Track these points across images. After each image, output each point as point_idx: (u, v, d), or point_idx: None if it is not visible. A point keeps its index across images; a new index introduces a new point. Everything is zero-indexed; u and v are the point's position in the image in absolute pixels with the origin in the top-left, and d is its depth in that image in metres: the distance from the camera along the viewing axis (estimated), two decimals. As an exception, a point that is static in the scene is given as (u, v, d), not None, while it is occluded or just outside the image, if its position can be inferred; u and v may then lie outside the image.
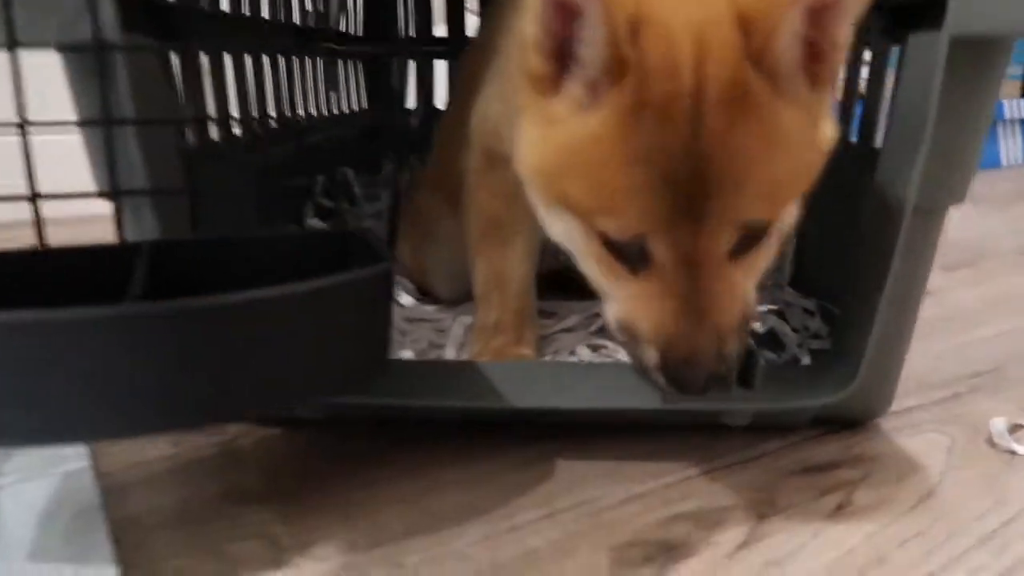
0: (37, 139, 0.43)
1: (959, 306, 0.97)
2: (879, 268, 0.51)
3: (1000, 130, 2.25)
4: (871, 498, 0.53)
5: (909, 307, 0.56)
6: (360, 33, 1.35)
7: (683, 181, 0.41)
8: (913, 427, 0.63)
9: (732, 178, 0.41)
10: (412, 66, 1.41)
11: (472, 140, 0.64)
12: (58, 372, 0.34)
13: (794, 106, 0.42)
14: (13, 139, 0.41)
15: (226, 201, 0.57)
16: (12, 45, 0.42)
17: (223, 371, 0.36)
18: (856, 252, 0.56)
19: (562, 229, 0.48)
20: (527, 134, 0.48)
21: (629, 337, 0.47)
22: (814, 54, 0.42)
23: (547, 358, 0.68)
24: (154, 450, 0.58)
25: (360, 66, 1.37)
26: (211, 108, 0.72)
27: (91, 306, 0.33)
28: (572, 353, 0.70)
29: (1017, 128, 2.27)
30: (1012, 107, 2.22)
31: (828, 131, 0.45)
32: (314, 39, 1.09)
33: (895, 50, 0.57)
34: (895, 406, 0.63)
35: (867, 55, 0.72)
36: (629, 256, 0.45)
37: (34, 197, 0.43)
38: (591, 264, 0.48)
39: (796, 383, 0.55)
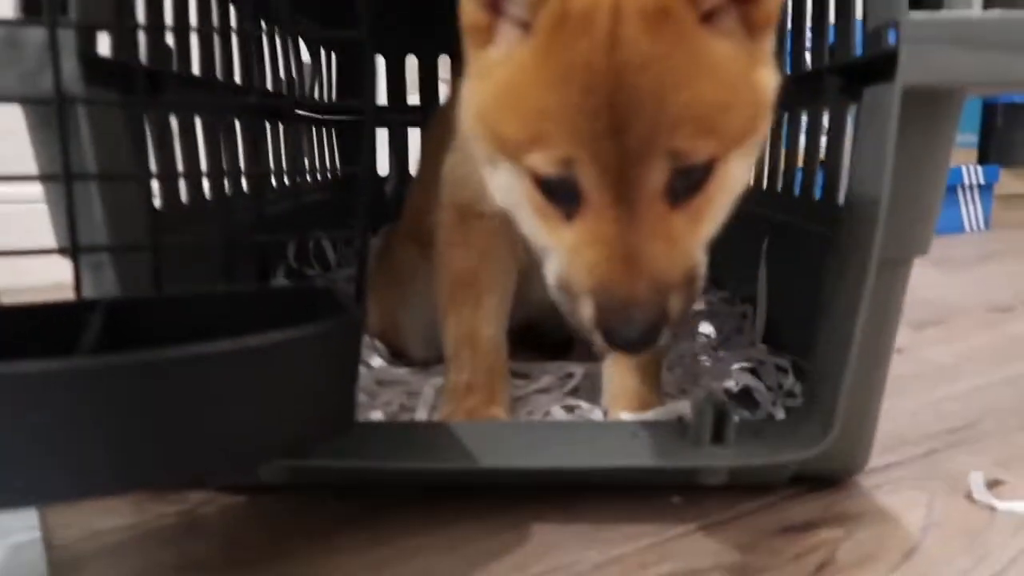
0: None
1: (931, 363, 0.98)
2: (847, 322, 0.51)
3: (960, 195, 2.32)
4: (853, 557, 0.52)
5: (880, 360, 0.56)
6: (334, 99, 1.37)
7: (605, 99, 0.40)
8: (893, 484, 0.62)
9: (653, 95, 0.40)
10: (386, 134, 1.43)
11: (443, 195, 0.64)
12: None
13: (726, 41, 0.42)
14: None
15: (192, 262, 0.56)
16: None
17: (175, 428, 0.35)
18: (824, 306, 0.56)
19: (503, 183, 0.47)
20: (470, 89, 0.48)
21: (568, 294, 0.45)
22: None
23: (521, 419, 0.67)
24: (112, 520, 0.55)
25: (333, 131, 1.38)
26: (179, 166, 0.72)
27: (32, 359, 0.31)
28: (547, 414, 0.68)
29: (976, 193, 2.34)
30: (969, 173, 2.29)
31: (769, 78, 0.45)
32: (288, 105, 1.10)
33: (853, 108, 0.59)
34: (873, 463, 0.62)
35: (826, 116, 0.74)
36: (562, 196, 0.44)
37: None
38: (528, 215, 0.47)
39: (770, 439, 0.54)
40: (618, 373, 0.65)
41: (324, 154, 1.33)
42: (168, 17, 0.70)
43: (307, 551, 0.52)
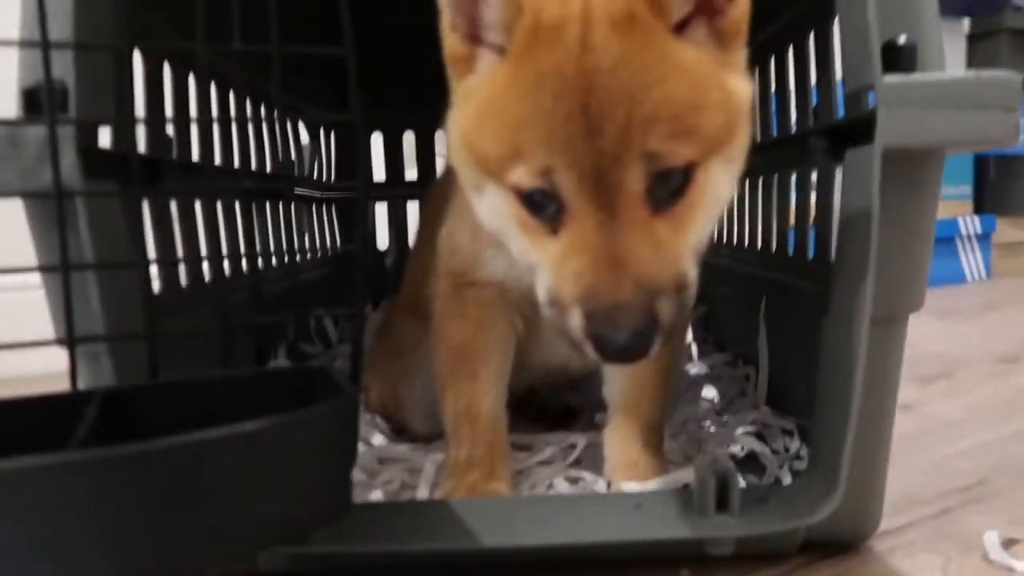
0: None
1: (939, 419, 0.96)
2: (845, 381, 0.51)
3: (959, 246, 2.33)
4: (870, 626, 0.50)
5: (883, 419, 0.56)
6: (334, 177, 1.40)
7: (577, 103, 0.41)
8: (906, 547, 0.61)
9: (625, 96, 0.41)
10: (385, 208, 1.45)
11: (438, 265, 0.64)
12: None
13: (695, 48, 0.44)
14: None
15: (192, 342, 0.56)
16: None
17: (170, 520, 0.34)
18: (821, 367, 0.56)
19: (489, 206, 0.48)
20: (453, 117, 0.50)
21: (557, 308, 0.45)
22: (713, 10, 0.45)
23: (523, 493, 0.66)
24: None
25: (333, 208, 1.40)
26: (179, 251, 0.73)
27: (23, 455, 0.31)
28: (549, 487, 0.67)
29: (975, 243, 2.35)
30: (966, 223, 2.30)
31: (742, 86, 0.47)
32: (287, 185, 1.13)
33: (839, 169, 0.60)
34: (885, 525, 0.61)
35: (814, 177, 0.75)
36: (545, 209, 0.45)
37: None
38: (516, 234, 0.47)
39: (776, 505, 0.53)
40: (619, 442, 0.64)
41: (324, 231, 1.35)
42: (168, 104, 0.72)
43: (307, 640, 0.50)
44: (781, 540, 0.57)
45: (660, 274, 0.43)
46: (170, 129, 0.72)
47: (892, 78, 0.46)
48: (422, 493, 0.67)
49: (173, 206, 0.72)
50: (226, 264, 0.83)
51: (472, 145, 0.47)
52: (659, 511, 0.53)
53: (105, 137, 0.53)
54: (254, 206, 0.95)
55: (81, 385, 0.49)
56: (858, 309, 0.49)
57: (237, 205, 0.86)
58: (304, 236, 1.20)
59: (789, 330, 0.79)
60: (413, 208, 1.42)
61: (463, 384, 0.63)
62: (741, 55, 0.48)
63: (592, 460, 0.71)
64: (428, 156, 1.41)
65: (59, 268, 0.45)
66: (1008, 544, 0.60)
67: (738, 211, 1.04)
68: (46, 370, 0.47)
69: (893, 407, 0.57)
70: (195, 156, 0.77)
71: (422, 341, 0.74)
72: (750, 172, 0.95)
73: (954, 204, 2.34)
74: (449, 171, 0.72)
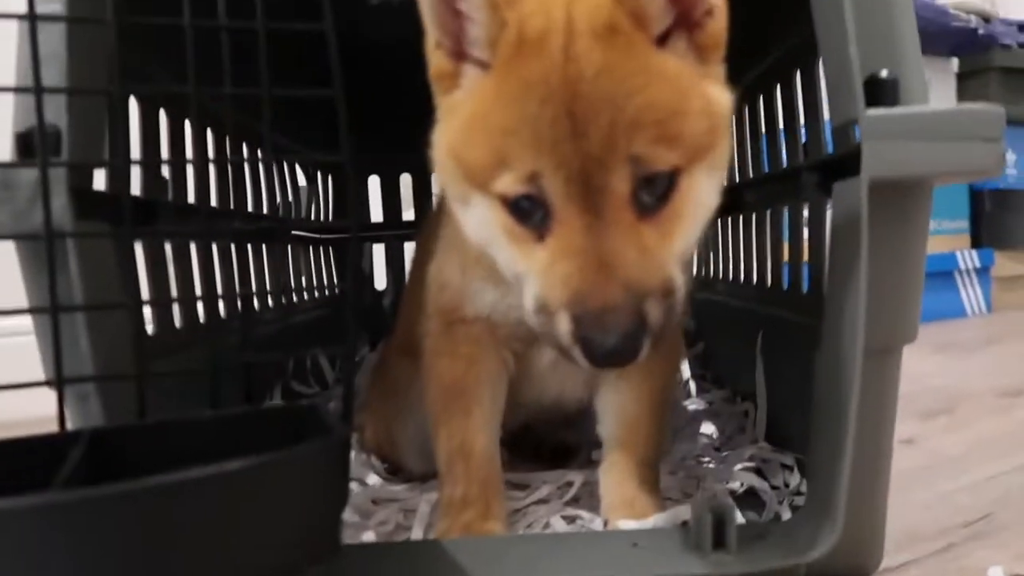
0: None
1: (941, 453, 0.95)
2: (840, 415, 0.50)
3: (958, 280, 2.33)
4: (873, 667, 0.49)
5: (880, 452, 0.55)
6: (331, 218, 1.40)
7: (562, 108, 0.42)
8: (910, 584, 0.60)
9: (609, 101, 0.42)
10: (382, 248, 1.46)
11: (429, 303, 0.64)
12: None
13: (677, 59, 0.46)
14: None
15: (183, 385, 0.56)
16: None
17: (151, 560, 0.34)
18: (816, 400, 0.56)
19: (476, 218, 0.48)
20: (439, 132, 0.50)
21: (545, 315, 0.45)
22: (692, 24, 0.47)
23: (520, 532, 0.65)
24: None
25: (331, 249, 1.40)
26: (172, 291, 0.73)
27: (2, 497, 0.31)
28: (546, 526, 0.66)
29: (974, 277, 2.35)
30: (964, 257, 2.31)
31: (722, 95, 0.48)
32: (281, 226, 1.13)
33: (830, 203, 0.60)
34: (889, 562, 0.60)
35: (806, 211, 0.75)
36: (532, 216, 0.45)
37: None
38: (503, 244, 0.47)
39: (774, 542, 0.52)
40: (615, 480, 0.64)
41: (322, 271, 1.35)
42: (163, 144, 0.73)
43: None
44: (781, 578, 0.56)
45: (647, 277, 0.44)
46: (165, 170, 0.73)
47: (875, 111, 0.46)
48: (416, 533, 0.66)
49: (168, 247, 0.73)
50: (221, 305, 0.83)
51: (458, 157, 0.48)
52: (656, 549, 0.52)
53: (101, 178, 0.54)
54: (249, 247, 0.95)
55: (70, 426, 0.49)
56: (850, 341, 0.49)
57: (232, 246, 0.87)
58: (301, 276, 1.21)
59: (786, 364, 0.79)
60: (410, 248, 1.43)
61: (456, 422, 0.62)
62: (720, 68, 0.50)
63: (589, 498, 0.70)
64: (425, 197, 1.43)
65: (48, 310, 0.45)
66: (1013, 580, 0.58)
67: (733, 246, 1.04)
68: (43, 414, 0.47)
69: (891, 440, 0.56)
70: (191, 196, 0.78)
71: (416, 380, 0.73)
72: (744, 207, 0.97)
73: (951, 238, 2.35)
74: (438, 208, 0.73)
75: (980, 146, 0.47)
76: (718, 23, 0.48)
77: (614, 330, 0.42)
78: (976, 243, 2.42)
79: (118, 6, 0.45)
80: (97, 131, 0.51)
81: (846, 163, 0.51)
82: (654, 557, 0.52)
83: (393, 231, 1.44)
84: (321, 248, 1.36)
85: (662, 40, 0.47)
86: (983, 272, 2.37)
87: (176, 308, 0.74)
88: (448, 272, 0.62)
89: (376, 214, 1.45)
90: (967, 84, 2.35)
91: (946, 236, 2.34)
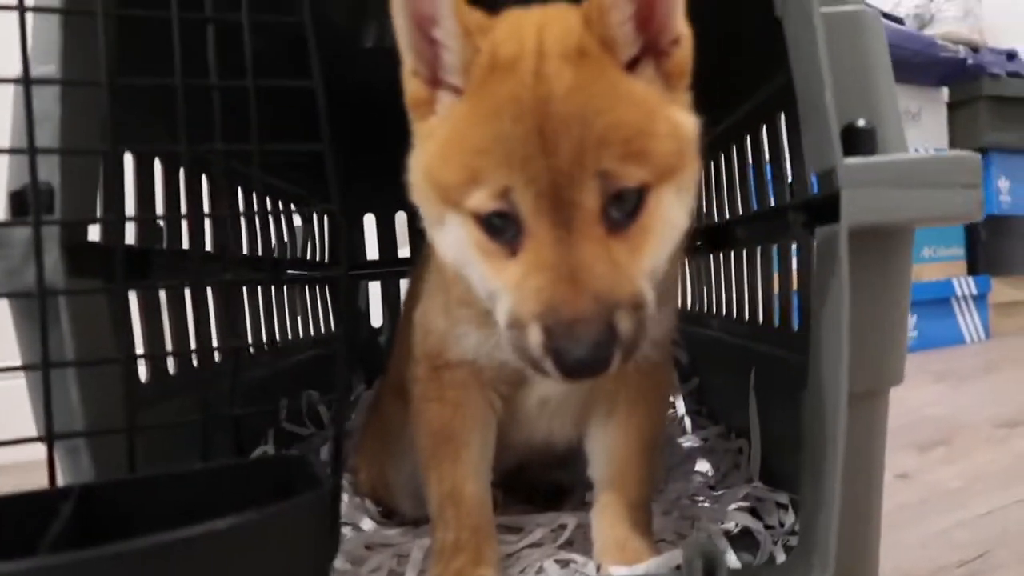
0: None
1: (937, 488, 0.95)
2: (827, 458, 0.50)
3: (955, 307, 2.33)
4: None
5: (870, 493, 0.55)
6: (326, 257, 1.41)
7: (533, 126, 0.44)
8: (905, 626, 0.59)
9: (578, 119, 0.44)
10: (378, 286, 1.47)
11: (416, 348, 0.65)
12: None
13: (645, 84, 0.48)
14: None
15: (175, 436, 0.56)
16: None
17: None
18: (804, 442, 0.56)
19: (450, 237, 0.50)
20: (415, 156, 0.52)
21: (518, 329, 0.46)
22: (659, 52, 0.49)
23: (512, 578, 0.65)
24: None
25: (327, 289, 1.41)
26: (166, 335, 0.73)
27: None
28: (540, 570, 0.66)
29: (971, 304, 2.36)
30: (961, 284, 2.32)
31: (688, 119, 0.50)
32: (280, 267, 1.14)
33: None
34: (884, 603, 0.59)
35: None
36: (504, 232, 0.46)
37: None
38: (476, 261, 0.48)
39: (765, 587, 0.52)
40: (606, 523, 0.64)
41: (318, 311, 1.36)
42: (158, 186, 0.74)
43: None
44: (775, 623, 0.56)
45: (617, 290, 0.45)
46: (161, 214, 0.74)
47: (853, 160, 0.47)
48: (409, 581, 0.66)
49: (162, 293, 0.73)
50: (214, 347, 0.83)
51: (433, 178, 0.49)
52: (648, 596, 0.52)
53: (95, 227, 0.54)
54: (244, 289, 0.96)
55: (61, 478, 0.49)
56: (834, 385, 0.49)
57: (226, 291, 0.87)
58: (296, 316, 1.21)
59: (778, 402, 0.79)
60: (406, 285, 1.44)
61: (446, 467, 0.62)
62: (687, 95, 0.52)
63: (583, 541, 0.69)
64: (420, 234, 1.43)
65: (39, 367, 0.45)
66: (1009, 622, 0.58)
67: (725, 281, 1.04)
68: (35, 456, 0.47)
69: (881, 481, 0.57)
70: (185, 241, 0.79)
71: (408, 424, 0.74)
72: (735, 242, 0.97)
73: (947, 265, 2.36)
74: (424, 253, 0.74)
75: (958, 193, 0.47)
76: (684, 51, 0.50)
77: (584, 340, 0.43)
78: (972, 270, 2.43)
79: (111, 69, 0.46)
80: (90, 187, 0.51)
81: (830, 204, 0.52)
82: (646, 604, 0.52)
83: (389, 268, 1.45)
84: (317, 287, 1.36)
85: (631, 66, 0.49)
86: (980, 299, 2.37)
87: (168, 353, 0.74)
88: (433, 317, 0.63)
89: (372, 251, 1.46)
90: (957, 113, 2.38)
91: (942, 263, 2.36)
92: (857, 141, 0.48)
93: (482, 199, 0.46)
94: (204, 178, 0.87)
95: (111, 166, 0.48)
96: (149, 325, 0.70)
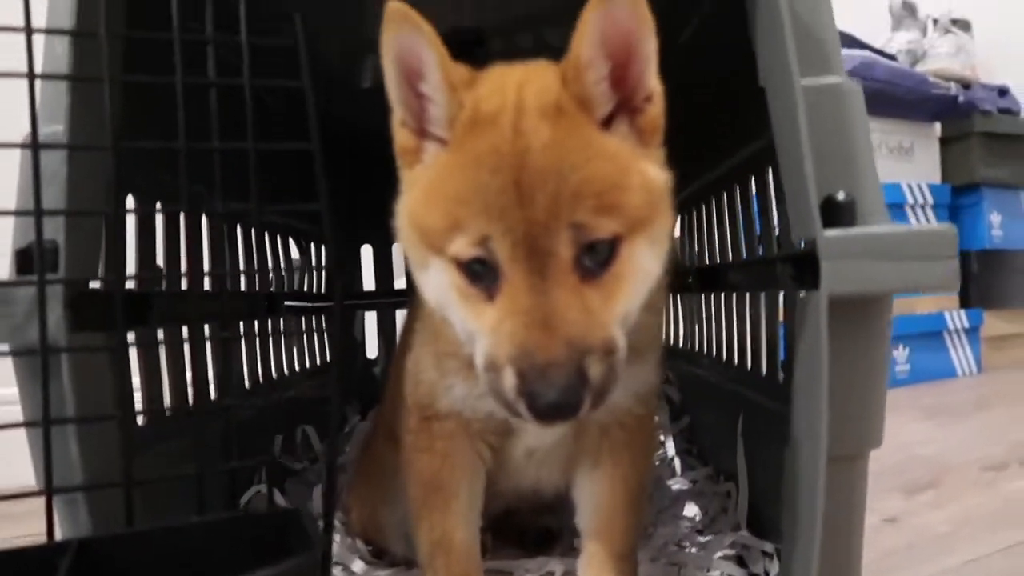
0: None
1: (924, 533, 0.96)
2: (808, 518, 0.51)
3: (948, 340, 2.35)
4: None
5: (850, 551, 0.56)
6: (323, 288, 1.43)
7: (511, 178, 0.46)
8: None
9: (554, 173, 0.46)
10: (374, 316, 1.48)
11: (407, 398, 0.66)
12: None
13: (619, 140, 0.51)
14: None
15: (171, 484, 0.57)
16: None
17: None
18: (785, 499, 0.57)
19: (433, 281, 0.52)
20: (402, 202, 0.55)
21: (493, 372, 0.47)
22: (633, 109, 0.52)
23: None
24: None
25: (323, 319, 1.42)
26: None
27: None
28: (528, 617, 0.67)
29: (963, 337, 2.37)
30: (953, 318, 2.33)
31: (660, 174, 0.53)
32: (278, 301, 1.15)
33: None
34: (865, 657, 0.60)
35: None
36: (483, 277, 0.48)
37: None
38: (457, 304, 0.50)
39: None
40: (593, 573, 0.65)
41: (314, 342, 1.37)
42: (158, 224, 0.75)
43: None
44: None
45: (589, 336, 0.47)
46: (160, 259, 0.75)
47: (832, 232, 0.49)
48: (399, 627, 0.66)
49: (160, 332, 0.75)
50: (211, 384, 0.84)
51: (418, 223, 0.52)
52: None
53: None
54: (241, 324, 0.97)
55: (58, 526, 0.50)
56: (814, 450, 0.51)
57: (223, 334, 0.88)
58: (292, 350, 1.22)
59: (765, 449, 0.80)
60: (402, 316, 1.45)
61: (436, 516, 0.64)
62: (660, 151, 0.54)
63: (571, 588, 0.70)
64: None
65: (40, 424, 0.47)
66: None
67: (716, 324, 1.06)
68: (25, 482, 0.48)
69: (860, 539, 0.58)
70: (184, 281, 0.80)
71: (400, 468, 0.75)
72: (727, 286, 0.99)
73: (940, 299, 2.38)
74: (415, 302, 0.75)
75: (935, 264, 0.49)
76: (656, 108, 0.53)
77: (556, 384, 0.45)
78: (965, 303, 2.45)
79: (117, 133, 0.48)
80: (94, 244, 0.53)
81: (812, 262, 0.53)
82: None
83: (385, 299, 1.46)
84: (313, 317, 1.38)
85: (606, 123, 0.52)
86: (972, 332, 2.39)
87: (167, 389, 0.75)
88: (424, 367, 0.64)
89: (368, 282, 1.48)
90: (950, 148, 2.41)
91: (935, 297, 2.37)
92: (837, 213, 0.50)
93: (462, 246, 0.48)
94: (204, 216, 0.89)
95: (114, 227, 0.50)
96: (147, 367, 0.71)
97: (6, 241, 0.52)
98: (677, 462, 1.06)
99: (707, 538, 0.81)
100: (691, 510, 0.89)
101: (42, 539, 0.48)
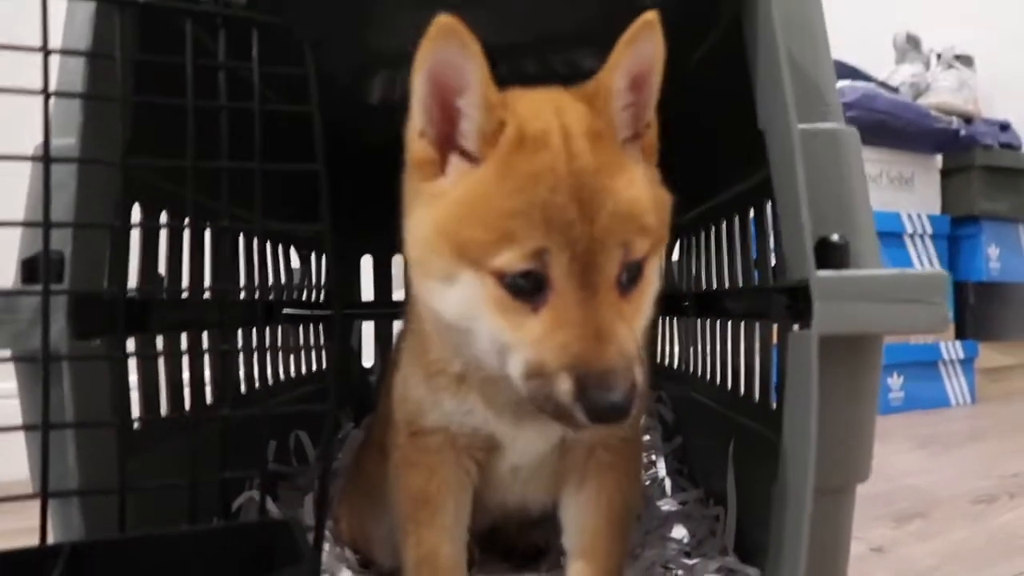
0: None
1: (912, 565, 0.96)
2: (793, 551, 0.52)
3: (943, 371, 2.35)
4: None
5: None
6: (322, 297, 1.44)
7: (570, 196, 0.49)
8: None
9: (608, 194, 0.49)
10: (372, 326, 1.49)
11: (395, 414, 0.67)
12: None
13: (635, 161, 0.55)
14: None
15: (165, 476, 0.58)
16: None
17: None
18: (772, 529, 0.58)
19: (459, 296, 0.52)
20: (416, 215, 0.55)
21: (540, 379, 0.49)
22: (636, 135, 0.56)
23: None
24: None
25: (320, 328, 1.43)
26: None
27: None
28: (512, 635, 0.67)
29: (958, 368, 2.38)
30: (949, 348, 2.34)
31: (666, 195, 0.56)
32: (276, 308, 1.16)
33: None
34: None
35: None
36: (527, 290, 0.50)
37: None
38: (490, 318, 0.51)
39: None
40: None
41: (312, 349, 1.38)
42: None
43: None
44: None
45: (632, 347, 0.50)
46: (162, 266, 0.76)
47: (825, 273, 0.50)
48: (384, 641, 0.67)
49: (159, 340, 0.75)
50: (208, 389, 0.85)
51: (450, 236, 0.52)
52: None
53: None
54: (239, 331, 0.98)
55: (52, 529, 0.51)
56: (802, 482, 0.52)
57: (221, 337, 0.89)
58: (289, 356, 1.23)
59: (755, 474, 0.80)
60: (398, 326, 1.46)
61: (423, 531, 0.64)
62: (654, 167, 0.58)
63: (556, 607, 0.71)
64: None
65: (39, 427, 0.47)
66: None
67: (711, 348, 1.07)
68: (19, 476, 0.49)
69: (845, 571, 0.58)
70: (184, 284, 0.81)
71: (389, 479, 0.75)
72: (723, 312, 1.00)
73: (936, 328, 2.38)
74: (408, 318, 0.76)
75: (924, 308, 0.50)
76: (654, 133, 0.57)
77: (616, 389, 0.47)
78: (960, 334, 2.46)
79: (126, 151, 0.49)
80: (99, 254, 0.54)
81: (805, 296, 0.54)
82: None
83: (383, 309, 1.47)
84: (312, 326, 1.38)
85: (624, 142, 0.55)
86: (967, 363, 2.40)
87: (164, 393, 0.76)
88: (411, 384, 0.65)
89: (367, 292, 1.49)
90: (950, 180, 2.42)
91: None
92: (831, 254, 0.51)
93: (512, 259, 0.49)
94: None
95: (119, 240, 0.51)
96: (145, 373, 0.72)
97: (13, 249, 0.53)
98: (668, 482, 1.06)
99: (694, 561, 0.82)
100: (679, 532, 0.89)
101: (33, 532, 0.48)
